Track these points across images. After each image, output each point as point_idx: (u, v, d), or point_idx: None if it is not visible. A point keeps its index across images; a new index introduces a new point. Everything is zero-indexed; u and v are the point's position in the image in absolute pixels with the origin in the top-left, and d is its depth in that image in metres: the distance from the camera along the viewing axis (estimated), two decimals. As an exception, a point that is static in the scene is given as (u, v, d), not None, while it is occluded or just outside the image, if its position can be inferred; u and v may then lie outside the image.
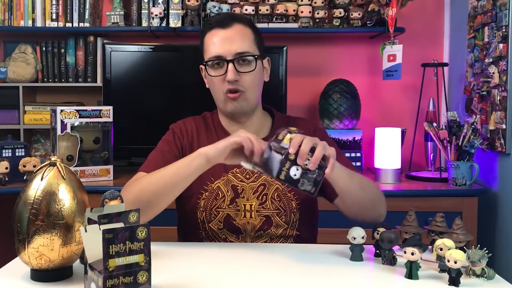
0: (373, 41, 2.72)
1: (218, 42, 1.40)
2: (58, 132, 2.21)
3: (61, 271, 1.04)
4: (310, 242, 1.47)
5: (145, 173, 1.36)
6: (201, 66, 1.49)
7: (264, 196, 1.40)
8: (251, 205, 1.39)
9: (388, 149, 2.36)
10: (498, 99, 2.12)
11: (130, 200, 1.23)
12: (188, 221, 1.43)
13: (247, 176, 1.42)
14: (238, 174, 1.42)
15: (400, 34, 2.54)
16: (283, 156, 1.09)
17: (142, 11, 2.65)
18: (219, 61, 1.39)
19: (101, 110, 2.28)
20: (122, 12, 2.61)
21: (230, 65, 1.37)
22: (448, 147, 2.21)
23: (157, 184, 1.26)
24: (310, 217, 1.47)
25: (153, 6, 2.62)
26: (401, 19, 2.63)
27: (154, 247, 1.24)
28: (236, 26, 1.41)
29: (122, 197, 1.17)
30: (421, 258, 1.09)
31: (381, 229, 1.17)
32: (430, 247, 1.17)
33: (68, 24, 2.65)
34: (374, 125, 2.56)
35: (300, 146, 1.09)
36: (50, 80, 2.71)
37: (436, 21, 2.76)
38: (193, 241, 1.41)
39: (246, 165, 1.17)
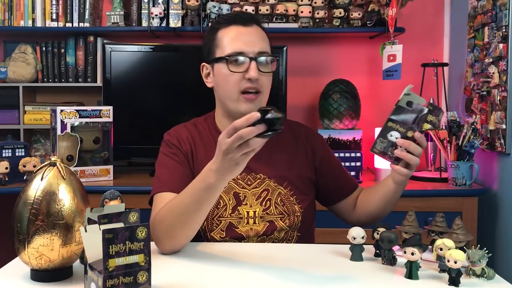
0: (373, 41, 2.72)
1: (239, 39, 1.35)
2: (58, 132, 2.21)
3: (61, 271, 1.04)
4: (309, 240, 1.48)
5: (164, 193, 1.32)
6: (205, 63, 1.43)
7: (268, 202, 1.39)
8: (254, 212, 1.37)
9: (388, 149, 2.36)
10: (498, 99, 2.12)
11: (163, 240, 1.23)
12: None
13: (249, 183, 1.40)
14: (239, 181, 1.40)
15: (400, 34, 2.54)
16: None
17: (142, 11, 2.65)
18: (242, 57, 1.33)
19: (101, 110, 2.28)
20: (122, 12, 2.61)
21: (253, 63, 1.33)
22: (448, 147, 2.21)
23: (184, 218, 1.20)
24: (310, 218, 1.48)
25: (153, 6, 2.62)
26: (401, 19, 2.63)
27: (154, 247, 1.25)
28: (255, 27, 1.39)
29: (121, 197, 1.18)
30: (421, 258, 1.09)
31: (381, 229, 1.18)
32: (430, 247, 1.17)
33: (68, 24, 2.65)
34: (374, 125, 2.56)
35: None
36: (50, 80, 2.71)
37: (436, 21, 2.77)
38: None
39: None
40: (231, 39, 1.36)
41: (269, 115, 1.02)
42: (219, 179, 1.12)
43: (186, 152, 1.42)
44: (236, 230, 1.37)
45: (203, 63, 1.44)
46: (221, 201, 1.38)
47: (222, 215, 1.37)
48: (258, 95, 1.36)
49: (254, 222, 1.37)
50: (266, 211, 1.38)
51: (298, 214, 1.40)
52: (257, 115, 1.02)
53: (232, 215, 1.37)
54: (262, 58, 1.35)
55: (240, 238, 1.37)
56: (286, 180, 1.42)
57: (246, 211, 1.37)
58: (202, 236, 1.38)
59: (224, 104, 1.41)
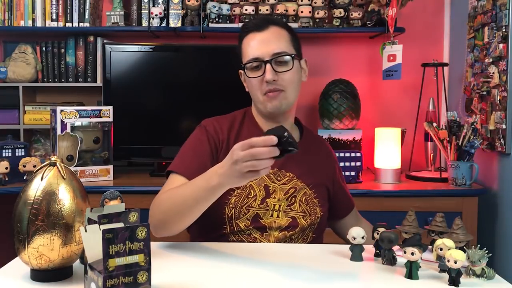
0: (373, 41, 2.72)
1: (255, 45, 1.42)
2: (58, 132, 2.21)
3: (61, 271, 1.04)
4: (319, 242, 1.52)
5: (179, 176, 1.37)
6: (240, 71, 1.51)
7: (293, 198, 1.44)
8: (280, 205, 1.42)
9: (388, 149, 2.36)
10: (498, 99, 2.12)
11: (156, 223, 1.29)
12: (211, 217, 1.38)
13: (278, 178, 1.45)
14: (271, 175, 1.44)
15: (400, 34, 2.54)
16: None
17: (142, 11, 2.65)
18: (257, 62, 1.40)
19: (101, 110, 2.28)
20: (122, 12, 2.61)
21: (268, 66, 1.39)
22: (448, 147, 2.21)
23: (178, 210, 1.26)
24: (324, 224, 1.53)
25: (153, 6, 2.62)
26: (401, 19, 2.63)
27: (154, 247, 1.25)
28: (271, 28, 1.44)
29: (121, 197, 1.18)
30: (421, 258, 1.09)
31: (381, 229, 1.18)
32: (430, 247, 1.17)
33: (68, 24, 2.65)
34: (374, 125, 2.56)
35: None
36: (50, 80, 2.71)
37: (436, 21, 2.77)
38: (213, 237, 1.41)
39: None
40: (248, 47, 1.44)
41: (284, 141, 1.06)
42: (220, 183, 1.16)
43: (222, 142, 1.45)
44: (261, 221, 1.40)
45: (240, 70, 1.51)
46: (252, 191, 1.42)
47: (251, 205, 1.40)
48: (280, 92, 1.41)
49: (278, 216, 1.41)
50: (290, 207, 1.43)
51: (318, 215, 1.46)
52: (274, 139, 1.06)
53: (260, 206, 1.41)
54: (278, 59, 1.41)
55: (263, 229, 1.40)
56: (312, 183, 1.47)
57: (273, 204, 1.42)
58: (227, 223, 1.40)
59: (255, 105, 1.50)
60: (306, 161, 1.49)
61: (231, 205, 1.40)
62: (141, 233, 0.90)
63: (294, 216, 1.42)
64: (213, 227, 1.41)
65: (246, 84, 1.49)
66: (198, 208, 1.24)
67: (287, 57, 1.41)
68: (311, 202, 1.45)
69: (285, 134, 1.07)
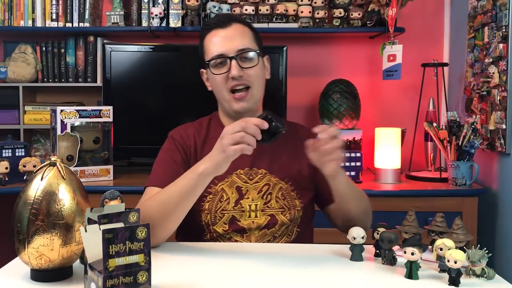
0: (373, 41, 2.72)
1: (219, 41, 1.41)
2: (58, 132, 2.21)
3: (61, 271, 1.04)
4: (309, 237, 1.50)
5: (154, 188, 1.37)
6: (202, 70, 1.50)
7: (269, 195, 1.41)
8: (256, 205, 1.40)
9: (388, 149, 2.36)
10: (498, 99, 2.12)
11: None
12: (190, 225, 1.39)
13: (250, 177, 1.42)
14: (242, 175, 1.42)
15: (400, 34, 2.54)
16: None
17: (142, 11, 2.65)
18: (222, 59, 1.40)
19: (101, 110, 2.28)
20: (122, 12, 2.61)
21: (233, 62, 1.38)
22: (448, 147, 2.21)
23: (165, 209, 1.26)
24: (310, 215, 1.50)
25: (153, 6, 2.62)
26: (401, 19, 2.63)
27: (154, 247, 1.25)
28: (234, 25, 1.43)
29: (121, 197, 1.18)
30: (421, 258, 1.09)
31: (381, 229, 1.18)
32: (430, 247, 1.17)
33: (68, 24, 2.65)
34: (374, 125, 2.56)
35: None
36: (50, 80, 2.71)
37: (436, 21, 2.77)
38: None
39: None
40: (211, 44, 1.43)
41: (273, 124, 1.18)
42: (206, 168, 1.20)
43: (189, 147, 1.45)
44: (238, 223, 1.39)
45: (201, 69, 1.51)
46: (224, 194, 1.40)
47: (225, 209, 1.39)
48: (248, 91, 1.41)
49: (256, 216, 1.39)
50: (267, 205, 1.40)
51: (299, 208, 1.42)
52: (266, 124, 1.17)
53: (235, 208, 1.39)
54: (243, 55, 1.40)
55: (242, 231, 1.39)
56: (287, 176, 1.44)
57: (248, 205, 1.40)
58: (205, 229, 1.40)
59: (221, 105, 1.49)
60: (278, 154, 1.46)
61: (206, 211, 1.38)
62: (141, 233, 0.90)
63: (272, 214, 1.40)
64: (194, 235, 1.40)
65: (210, 83, 1.48)
66: (184, 204, 1.25)
67: (252, 53, 1.41)
68: (288, 196, 1.42)
69: (270, 117, 1.17)
